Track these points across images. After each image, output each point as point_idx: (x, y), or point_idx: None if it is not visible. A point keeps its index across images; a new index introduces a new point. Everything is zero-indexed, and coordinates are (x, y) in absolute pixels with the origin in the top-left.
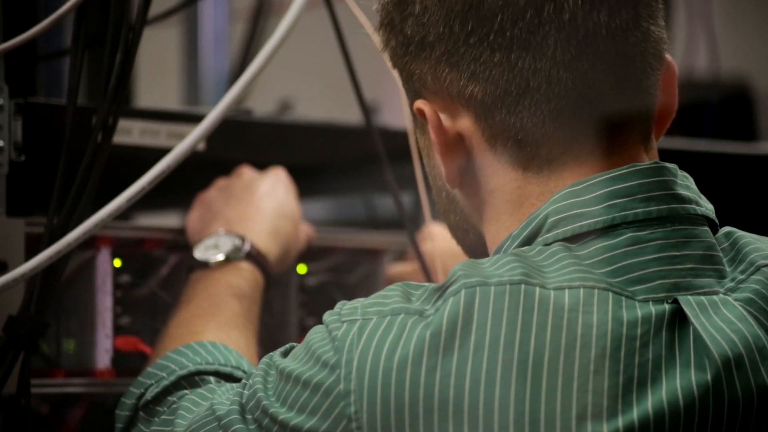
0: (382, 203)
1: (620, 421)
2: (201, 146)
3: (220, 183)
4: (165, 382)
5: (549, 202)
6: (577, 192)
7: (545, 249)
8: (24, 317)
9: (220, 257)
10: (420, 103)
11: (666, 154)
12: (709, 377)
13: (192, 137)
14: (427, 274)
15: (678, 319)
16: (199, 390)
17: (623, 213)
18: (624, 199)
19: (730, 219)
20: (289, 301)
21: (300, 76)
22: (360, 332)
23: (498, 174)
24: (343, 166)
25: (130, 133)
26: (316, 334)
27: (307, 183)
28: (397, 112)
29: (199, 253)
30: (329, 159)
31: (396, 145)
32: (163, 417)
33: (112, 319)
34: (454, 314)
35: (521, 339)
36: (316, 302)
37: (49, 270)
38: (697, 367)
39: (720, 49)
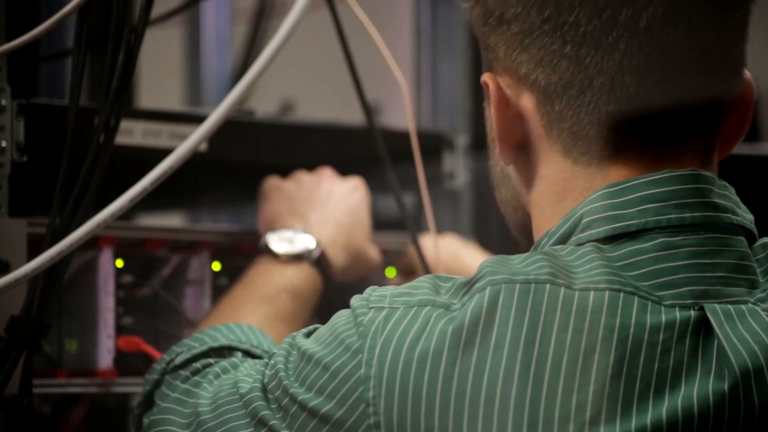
0: (384, 204)
1: (632, 425)
2: (203, 147)
3: (304, 179)
4: (195, 351)
5: (585, 201)
6: (613, 194)
7: (577, 249)
8: (26, 317)
9: (291, 252)
10: (486, 77)
11: None
12: (726, 387)
13: (194, 138)
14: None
15: (704, 327)
16: (224, 362)
17: (657, 218)
18: (659, 204)
19: None
20: None
21: (302, 76)
22: (386, 321)
23: (549, 161)
24: (345, 166)
25: (132, 133)
26: (341, 317)
27: None
28: (398, 112)
29: (273, 242)
30: (331, 160)
31: (398, 146)
32: (185, 386)
33: (114, 319)
34: (478, 311)
35: (542, 339)
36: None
37: (51, 270)
38: (716, 376)
39: None
